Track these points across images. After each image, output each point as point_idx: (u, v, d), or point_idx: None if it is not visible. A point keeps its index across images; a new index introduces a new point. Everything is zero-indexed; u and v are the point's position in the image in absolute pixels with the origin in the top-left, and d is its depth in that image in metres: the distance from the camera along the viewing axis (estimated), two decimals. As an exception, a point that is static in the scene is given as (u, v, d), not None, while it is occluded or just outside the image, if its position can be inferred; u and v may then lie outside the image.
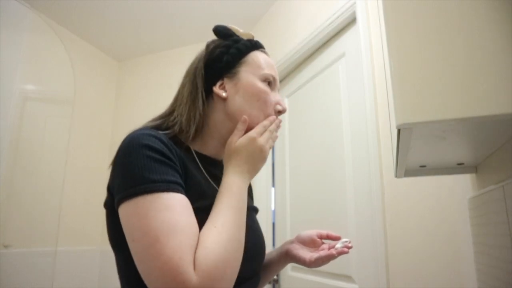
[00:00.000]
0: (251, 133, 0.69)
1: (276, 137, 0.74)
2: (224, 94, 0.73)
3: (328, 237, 0.83)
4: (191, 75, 0.76)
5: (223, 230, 0.56)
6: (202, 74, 0.75)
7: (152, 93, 2.76)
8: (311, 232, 0.84)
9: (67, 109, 2.25)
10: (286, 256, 0.84)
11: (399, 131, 0.48)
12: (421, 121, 0.44)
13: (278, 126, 0.74)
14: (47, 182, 2.05)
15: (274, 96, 0.76)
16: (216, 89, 0.74)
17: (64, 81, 2.23)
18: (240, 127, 0.71)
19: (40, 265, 1.92)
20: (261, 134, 0.70)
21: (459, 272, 0.98)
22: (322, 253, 0.77)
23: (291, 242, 0.85)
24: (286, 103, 2.12)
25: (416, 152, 0.64)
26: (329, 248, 0.79)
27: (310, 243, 0.83)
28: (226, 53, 0.75)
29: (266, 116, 0.74)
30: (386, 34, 0.49)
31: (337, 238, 0.81)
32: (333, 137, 1.64)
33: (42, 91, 2.17)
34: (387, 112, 1.27)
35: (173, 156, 0.62)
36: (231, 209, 0.60)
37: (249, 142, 0.69)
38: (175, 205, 0.55)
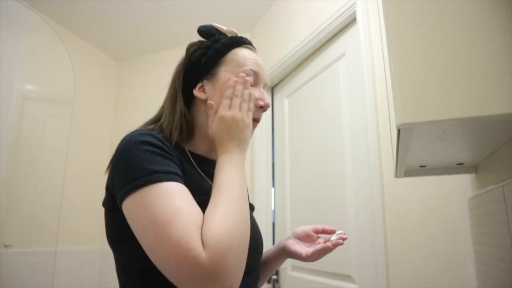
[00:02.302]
0: (218, 113, 0.69)
1: (248, 95, 0.71)
2: (203, 97, 0.74)
3: (324, 231, 0.84)
4: (172, 80, 0.78)
5: (222, 207, 0.57)
6: (181, 78, 0.76)
7: (152, 93, 2.75)
8: (307, 227, 0.86)
9: (67, 109, 2.25)
10: (283, 252, 0.85)
11: (399, 131, 0.48)
12: (421, 121, 0.44)
13: (242, 84, 0.71)
14: (47, 182, 2.05)
15: (256, 92, 0.75)
16: (196, 92, 0.75)
17: (64, 81, 2.23)
18: (210, 113, 0.71)
19: (40, 265, 1.92)
20: (228, 106, 0.69)
21: (459, 272, 0.98)
22: (318, 246, 0.78)
23: (288, 238, 0.87)
24: (286, 103, 2.13)
25: (416, 152, 0.64)
26: (325, 242, 0.80)
27: (306, 238, 0.84)
28: (205, 54, 0.75)
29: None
30: (386, 34, 0.49)
31: (332, 232, 0.82)
32: (333, 137, 1.64)
33: (42, 91, 2.17)
34: (387, 112, 1.27)
35: (170, 152, 0.64)
36: (225, 186, 0.61)
37: (219, 121, 0.68)
38: (177, 192, 0.57)
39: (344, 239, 0.79)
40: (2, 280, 1.64)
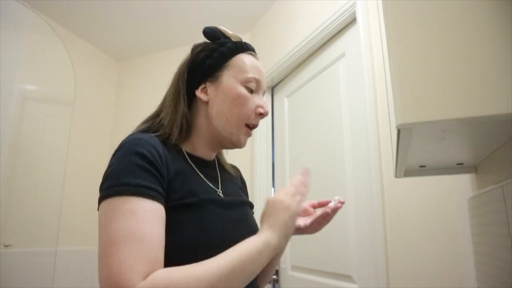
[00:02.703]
0: (277, 197, 0.67)
1: (303, 186, 0.70)
2: (205, 98, 0.75)
3: (320, 205, 0.83)
4: (175, 79, 0.78)
5: (201, 272, 0.53)
6: (184, 78, 0.76)
7: (152, 93, 2.75)
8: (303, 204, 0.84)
9: (67, 109, 2.25)
10: None
11: (399, 131, 0.48)
12: (421, 121, 0.44)
13: (304, 185, 0.70)
14: (47, 182, 2.05)
15: (257, 99, 0.76)
16: (198, 93, 0.76)
17: (64, 81, 2.23)
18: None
19: (40, 265, 1.92)
20: (291, 194, 0.67)
21: (459, 272, 0.98)
22: (316, 214, 0.78)
23: None
24: (286, 103, 2.13)
25: (416, 152, 0.64)
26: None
27: (303, 213, 0.84)
28: (210, 57, 0.76)
29: (246, 120, 0.74)
30: (386, 34, 0.49)
31: (327, 203, 0.81)
32: (333, 137, 1.64)
33: (42, 91, 2.17)
34: (387, 112, 1.27)
35: (160, 162, 0.63)
36: (228, 261, 0.56)
37: (273, 205, 0.66)
38: (141, 212, 0.56)
39: (342, 202, 0.78)
40: (2, 280, 1.64)
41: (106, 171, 0.62)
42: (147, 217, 0.56)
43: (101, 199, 0.58)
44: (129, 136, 0.66)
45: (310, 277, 1.69)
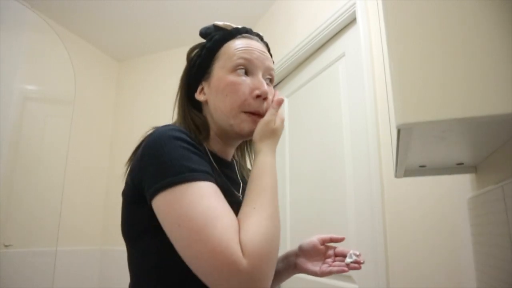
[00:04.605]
0: (283, 116, 0.70)
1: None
2: (203, 98, 0.74)
3: (332, 240, 0.84)
4: (178, 85, 0.78)
5: (263, 210, 0.57)
6: (183, 84, 0.77)
7: (152, 93, 2.75)
8: (313, 240, 0.84)
9: (67, 109, 2.25)
10: (295, 269, 0.86)
11: (399, 131, 0.48)
12: (421, 121, 0.44)
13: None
14: (47, 182, 2.05)
15: (252, 81, 0.70)
16: (197, 95, 0.75)
17: (64, 81, 2.23)
18: (277, 107, 0.69)
19: (40, 265, 1.92)
20: (275, 116, 0.70)
21: (459, 272, 0.98)
22: (334, 269, 0.80)
23: (297, 255, 0.86)
24: (286, 103, 2.12)
25: (416, 152, 0.64)
26: (336, 255, 0.82)
27: (314, 252, 0.83)
28: (199, 55, 0.74)
29: (242, 107, 0.69)
30: (386, 34, 0.49)
31: (340, 240, 0.83)
32: (333, 137, 1.64)
33: (42, 91, 2.17)
34: (387, 112, 1.27)
35: (201, 150, 0.63)
36: (268, 189, 0.61)
37: (283, 125, 0.70)
38: (214, 193, 0.57)
39: (360, 263, 0.79)
40: (2, 280, 1.64)
41: (151, 160, 0.58)
42: (220, 197, 0.57)
43: (166, 187, 0.55)
44: (161, 127, 0.63)
45: (310, 277, 1.68)
